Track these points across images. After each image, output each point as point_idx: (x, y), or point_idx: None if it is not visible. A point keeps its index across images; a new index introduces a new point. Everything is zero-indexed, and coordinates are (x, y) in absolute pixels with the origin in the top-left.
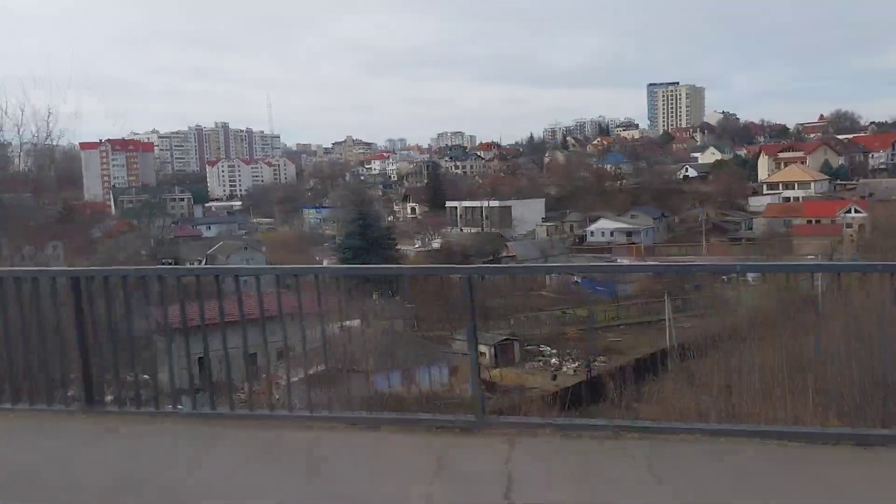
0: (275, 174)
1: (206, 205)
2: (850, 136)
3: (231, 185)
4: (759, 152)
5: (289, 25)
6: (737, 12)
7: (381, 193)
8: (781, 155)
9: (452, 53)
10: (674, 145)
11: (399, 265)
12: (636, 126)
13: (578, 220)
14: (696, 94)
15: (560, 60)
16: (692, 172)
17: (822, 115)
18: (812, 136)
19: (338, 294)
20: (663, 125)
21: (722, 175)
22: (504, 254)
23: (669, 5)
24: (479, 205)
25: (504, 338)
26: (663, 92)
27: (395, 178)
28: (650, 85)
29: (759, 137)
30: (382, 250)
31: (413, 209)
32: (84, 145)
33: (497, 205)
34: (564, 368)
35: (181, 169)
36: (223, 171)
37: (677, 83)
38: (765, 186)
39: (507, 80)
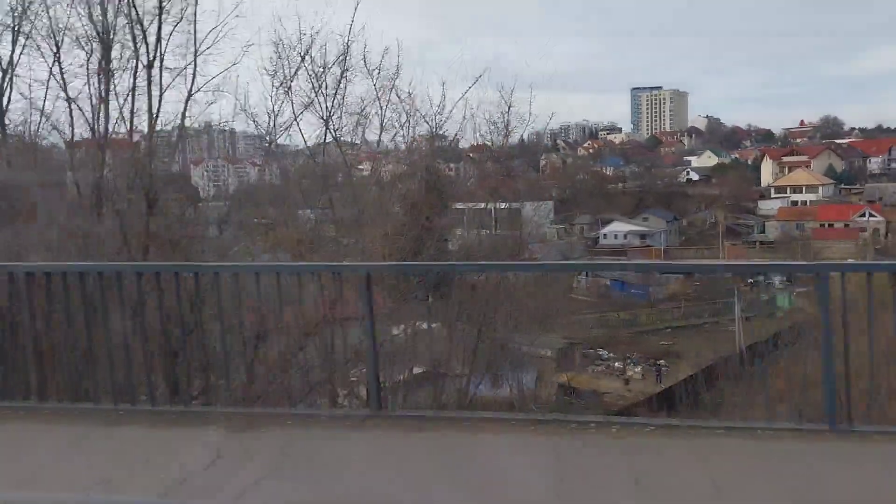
0: (261, 174)
1: (199, 205)
2: (841, 141)
3: (216, 185)
4: (763, 156)
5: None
6: (708, 17)
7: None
8: (785, 159)
9: (427, 54)
10: (662, 149)
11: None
12: (620, 130)
13: (588, 222)
14: (679, 98)
15: (535, 64)
16: (694, 175)
17: (802, 121)
18: (799, 140)
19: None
20: (647, 129)
21: (726, 178)
22: (526, 255)
23: (644, 11)
24: (487, 206)
25: (567, 342)
26: (647, 96)
27: (388, 179)
28: (634, 89)
29: (746, 142)
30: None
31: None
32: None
33: (505, 206)
34: (629, 372)
35: (164, 168)
36: (208, 171)
37: (661, 87)
38: (772, 190)
39: (483, 83)
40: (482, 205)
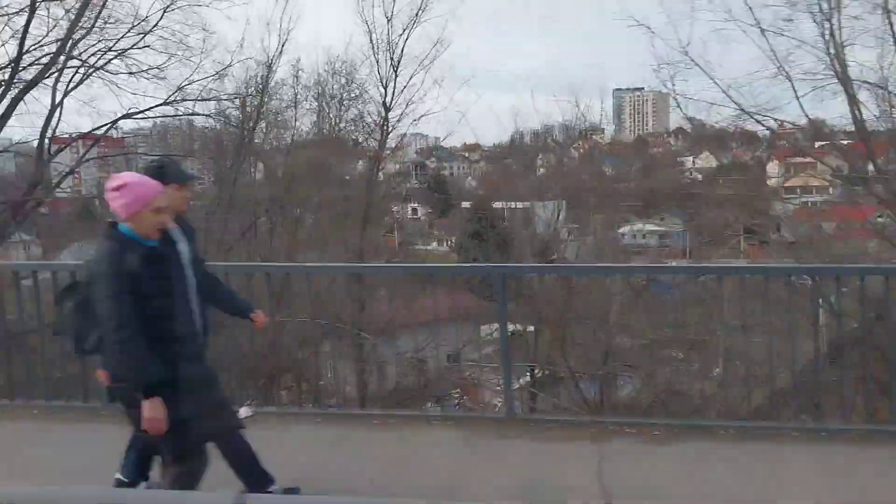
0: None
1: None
2: (845, 142)
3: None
4: (769, 157)
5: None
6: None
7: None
8: (790, 160)
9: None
10: (652, 150)
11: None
12: (602, 131)
13: (601, 222)
14: (661, 99)
15: (507, 64)
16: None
17: (781, 122)
18: (782, 143)
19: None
20: (631, 130)
21: (732, 179)
22: (555, 255)
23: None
24: (499, 206)
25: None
26: (630, 97)
27: (382, 179)
28: (616, 90)
29: (732, 143)
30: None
31: (414, 210)
32: (56, 140)
33: (516, 206)
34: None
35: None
36: (190, 171)
37: (643, 88)
38: (782, 191)
39: (457, 83)
40: (496, 204)
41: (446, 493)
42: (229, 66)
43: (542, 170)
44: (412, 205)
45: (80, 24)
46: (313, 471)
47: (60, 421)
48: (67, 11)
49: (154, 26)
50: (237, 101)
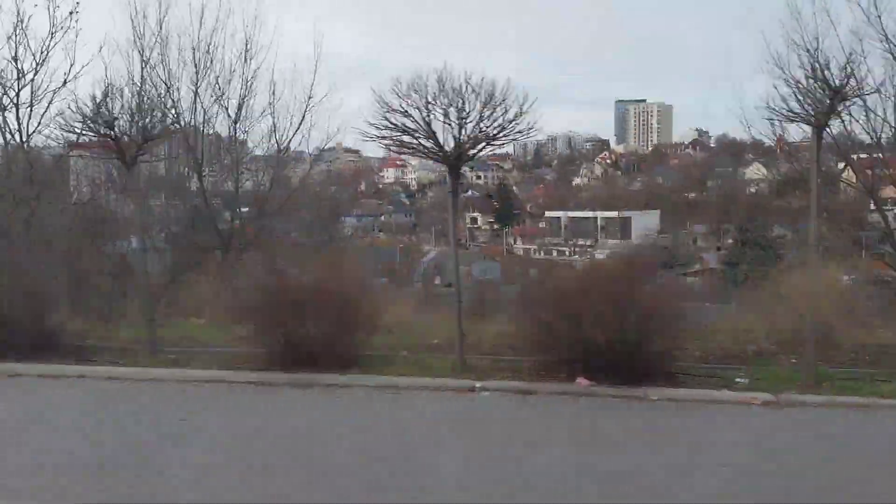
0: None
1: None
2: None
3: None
4: (844, 167)
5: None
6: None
7: (407, 202)
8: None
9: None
10: (674, 161)
11: None
12: (607, 143)
13: (702, 231)
14: (665, 111)
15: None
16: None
17: (780, 137)
18: (804, 153)
19: None
20: (637, 142)
21: (807, 192)
22: (698, 266)
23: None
24: (590, 215)
25: None
26: (634, 109)
27: (416, 188)
28: (618, 101)
29: (749, 155)
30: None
31: (474, 219)
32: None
33: (615, 216)
34: None
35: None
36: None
37: (645, 100)
38: (871, 203)
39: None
40: (585, 213)
41: None
42: None
43: (581, 180)
44: (472, 214)
45: None
46: None
47: None
48: None
49: None
50: None
